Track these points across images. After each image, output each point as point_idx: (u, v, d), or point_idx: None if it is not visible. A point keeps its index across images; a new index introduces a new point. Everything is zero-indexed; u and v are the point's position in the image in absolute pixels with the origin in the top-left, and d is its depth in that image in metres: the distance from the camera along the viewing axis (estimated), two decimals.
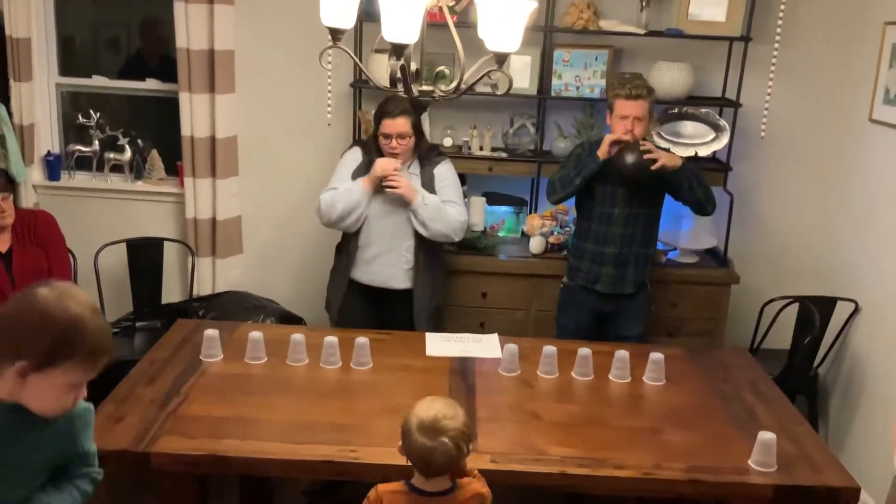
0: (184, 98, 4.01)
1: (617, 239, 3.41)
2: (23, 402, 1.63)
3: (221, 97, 4.02)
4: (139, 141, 4.36)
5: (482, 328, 3.76)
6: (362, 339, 2.95)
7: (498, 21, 1.96)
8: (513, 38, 1.98)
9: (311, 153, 4.13)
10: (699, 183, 3.38)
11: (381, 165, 3.28)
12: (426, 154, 3.46)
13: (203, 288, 4.22)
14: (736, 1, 3.76)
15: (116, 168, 4.34)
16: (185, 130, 4.06)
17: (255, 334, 2.96)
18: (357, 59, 2.37)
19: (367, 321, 3.46)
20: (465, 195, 3.81)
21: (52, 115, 4.34)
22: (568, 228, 3.94)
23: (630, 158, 3.24)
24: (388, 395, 2.72)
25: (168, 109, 4.17)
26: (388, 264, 3.41)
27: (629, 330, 3.50)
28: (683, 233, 4.11)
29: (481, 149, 3.98)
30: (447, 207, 3.34)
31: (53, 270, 3.38)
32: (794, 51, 3.93)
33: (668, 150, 3.46)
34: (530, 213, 4.11)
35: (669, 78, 3.79)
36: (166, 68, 4.21)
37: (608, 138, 3.32)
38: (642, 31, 3.79)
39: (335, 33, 2.08)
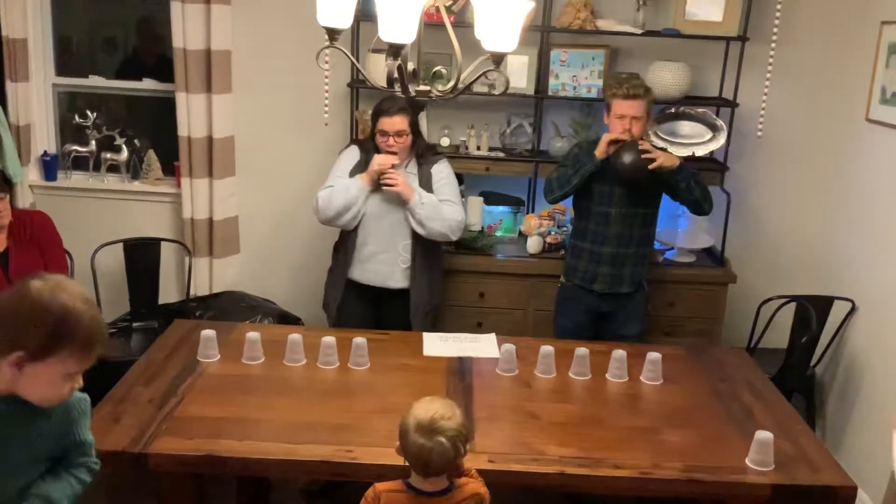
0: (180, 98, 4.01)
1: (614, 238, 3.41)
2: (20, 392, 1.68)
3: (218, 97, 4.02)
4: (136, 141, 4.36)
5: (480, 328, 3.76)
6: (360, 340, 2.95)
7: (495, 21, 1.96)
8: (510, 38, 1.98)
9: (309, 153, 4.12)
10: (697, 183, 3.38)
11: (379, 160, 3.30)
12: (423, 153, 3.47)
13: (200, 288, 4.22)
14: (733, 1, 3.76)
15: (113, 168, 4.33)
16: (182, 130, 4.06)
17: (253, 334, 2.95)
18: (354, 60, 2.37)
19: (364, 320, 3.47)
20: (463, 195, 3.81)
21: (49, 115, 4.34)
22: (565, 228, 3.94)
23: (628, 158, 3.25)
24: (386, 395, 2.72)
25: (165, 109, 4.17)
26: (385, 263, 3.41)
27: (627, 329, 3.50)
28: (680, 232, 4.11)
29: (478, 149, 3.98)
30: (444, 206, 3.35)
31: (50, 271, 3.34)
32: (790, 50, 3.94)
33: (665, 150, 3.47)
34: (528, 212, 4.11)
35: (666, 78, 3.79)
36: (163, 68, 4.21)
37: (606, 138, 3.33)
38: (639, 31, 3.80)
39: (332, 33, 2.07)
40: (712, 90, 4.03)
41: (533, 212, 4.09)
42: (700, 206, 3.43)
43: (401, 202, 3.33)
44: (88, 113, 4.23)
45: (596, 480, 2.37)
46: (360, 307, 3.50)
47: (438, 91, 2.17)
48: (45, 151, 4.30)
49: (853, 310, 3.74)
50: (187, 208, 4.17)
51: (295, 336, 2.95)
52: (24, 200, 4.12)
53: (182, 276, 4.26)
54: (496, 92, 3.60)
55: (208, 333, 2.95)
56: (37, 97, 4.22)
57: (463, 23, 3.43)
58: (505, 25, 1.96)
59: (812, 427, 3.55)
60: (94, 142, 4.28)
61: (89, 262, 3.85)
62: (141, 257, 4.02)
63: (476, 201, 4.03)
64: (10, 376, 1.64)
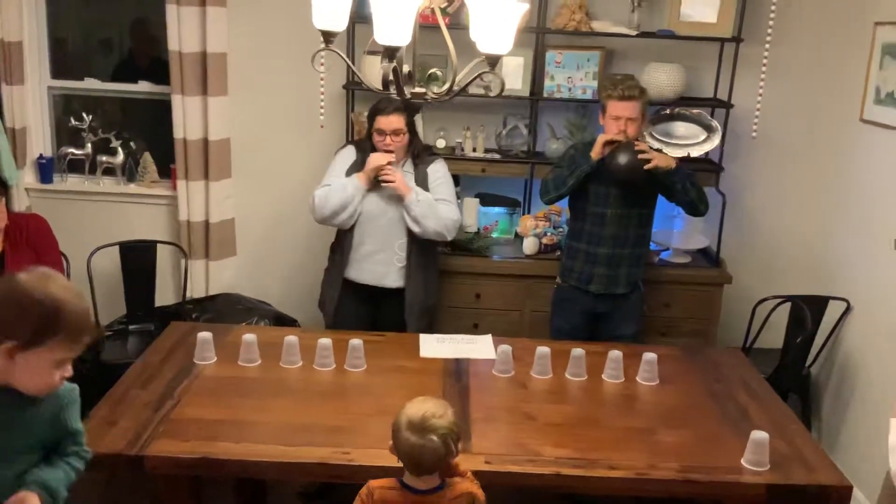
0: (176, 100, 4.01)
1: (610, 239, 3.42)
2: (12, 382, 1.75)
3: (214, 99, 4.02)
4: (132, 143, 4.35)
5: (476, 329, 3.77)
6: (356, 341, 2.95)
7: (490, 23, 1.96)
8: (505, 40, 1.98)
9: (305, 155, 4.13)
10: (693, 184, 3.39)
11: (375, 158, 3.30)
12: (420, 153, 3.48)
13: (196, 290, 4.22)
14: (727, 2, 3.77)
15: (109, 171, 4.33)
16: (178, 133, 4.06)
17: (249, 337, 2.95)
18: (349, 62, 2.37)
19: (360, 320, 3.47)
20: (459, 196, 3.82)
21: (45, 118, 4.33)
22: (561, 229, 3.95)
23: (623, 159, 3.25)
24: (382, 396, 2.72)
25: (160, 112, 4.17)
26: (381, 262, 3.42)
27: (622, 330, 3.51)
28: (676, 233, 4.12)
29: (474, 150, 3.98)
30: (440, 205, 3.36)
31: None
32: (785, 51, 3.95)
33: (660, 151, 3.47)
34: (523, 214, 4.11)
35: (661, 79, 3.80)
36: (158, 70, 4.21)
37: (601, 138, 3.33)
38: (634, 33, 3.80)
39: (327, 36, 2.08)
40: (707, 91, 4.04)
41: (529, 213, 4.10)
42: (696, 208, 3.44)
43: (397, 201, 3.34)
44: (84, 115, 4.22)
45: (592, 481, 2.37)
46: (356, 307, 3.51)
47: (434, 93, 2.17)
48: (41, 154, 4.29)
49: (848, 310, 3.75)
50: (183, 210, 4.17)
51: (291, 338, 2.95)
52: (20, 203, 4.12)
53: (178, 279, 4.26)
54: (492, 94, 3.61)
55: (205, 336, 2.95)
56: (32, 100, 4.21)
57: (458, 24, 3.42)
58: (500, 27, 1.96)
59: (807, 427, 3.56)
60: (89, 144, 4.27)
61: (85, 265, 3.84)
62: (137, 260, 4.01)
63: (472, 203, 4.04)
64: (1, 367, 1.71)
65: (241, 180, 4.23)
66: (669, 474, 2.37)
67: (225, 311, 3.94)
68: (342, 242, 3.47)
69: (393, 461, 2.04)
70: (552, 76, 3.89)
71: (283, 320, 3.96)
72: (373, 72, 3.52)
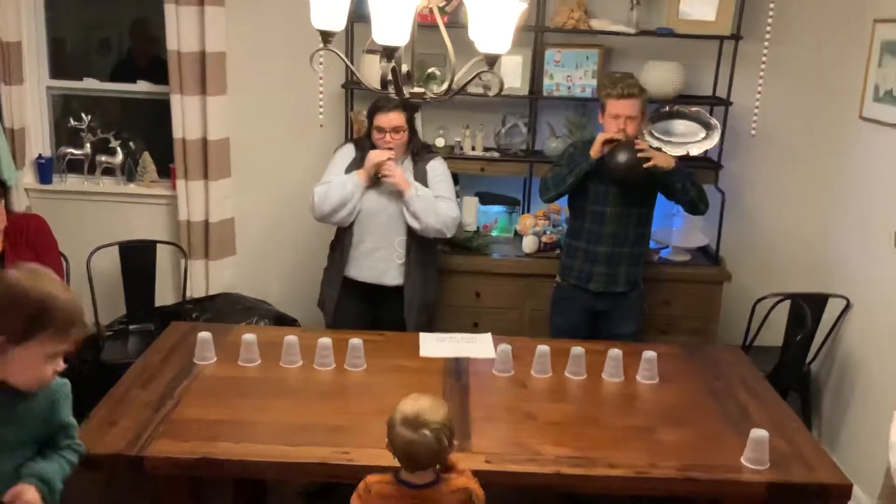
0: (175, 100, 4.01)
1: (609, 238, 3.42)
2: (5, 376, 1.80)
3: (213, 99, 4.02)
4: (131, 143, 4.35)
5: (476, 328, 3.76)
6: (356, 341, 2.95)
7: (488, 22, 1.96)
8: (503, 39, 1.98)
9: (304, 154, 4.12)
10: (693, 183, 3.39)
11: (375, 155, 3.30)
12: (419, 151, 3.48)
13: (196, 290, 4.22)
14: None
15: (108, 171, 4.33)
16: (177, 133, 4.06)
17: (249, 336, 2.95)
18: (348, 62, 2.37)
19: (360, 319, 3.48)
20: (458, 195, 3.82)
21: (43, 118, 4.33)
22: (560, 228, 3.95)
23: (623, 157, 3.25)
24: (382, 396, 2.71)
25: (159, 111, 4.17)
26: (381, 259, 3.42)
27: (622, 328, 3.51)
28: (675, 231, 4.12)
29: (473, 149, 3.98)
30: (439, 202, 3.36)
31: None
32: (784, 49, 3.94)
33: (659, 150, 3.47)
34: (523, 212, 4.11)
35: (660, 77, 3.80)
36: (157, 70, 4.20)
37: (601, 137, 3.33)
38: (633, 31, 3.80)
39: (326, 35, 2.08)
40: (706, 89, 4.03)
41: (528, 211, 4.10)
42: (696, 207, 3.44)
43: (397, 198, 3.34)
44: (83, 115, 4.22)
45: (592, 480, 2.37)
46: (356, 305, 3.51)
47: (433, 93, 2.17)
48: (40, 154, 4.29)
49: (848, 307, 3.75)
50: (183, 210, 4.17)
51: (291, 338, 2.95)
52: (20, 204, 4.11)
53: (178, 279, 4.26)
54: (491, 94, 3.60)
55: (204, 336, 2.95)
56: (31, 100, 4.21)
57: (456, 23, 3.42)
58: (498, 27, 1.96)
59: (807, 425, 3.56)
60: (88, 144, 4.27)
61: (85, 265, 3.84)
62: (137, 260, 4.01)
63: (471, 201, 4.04)
64: None
65: (240, 180, 4.22)
66: (669, 473, 2.37)
67: (225, 310, 3.95)
68: (342, 240, 3.47)
69: (393, 460, 2.05)
70: (551, 75, 3.89)
71: (282, 320, 3.96)
72: (371, 71, 3.52)
